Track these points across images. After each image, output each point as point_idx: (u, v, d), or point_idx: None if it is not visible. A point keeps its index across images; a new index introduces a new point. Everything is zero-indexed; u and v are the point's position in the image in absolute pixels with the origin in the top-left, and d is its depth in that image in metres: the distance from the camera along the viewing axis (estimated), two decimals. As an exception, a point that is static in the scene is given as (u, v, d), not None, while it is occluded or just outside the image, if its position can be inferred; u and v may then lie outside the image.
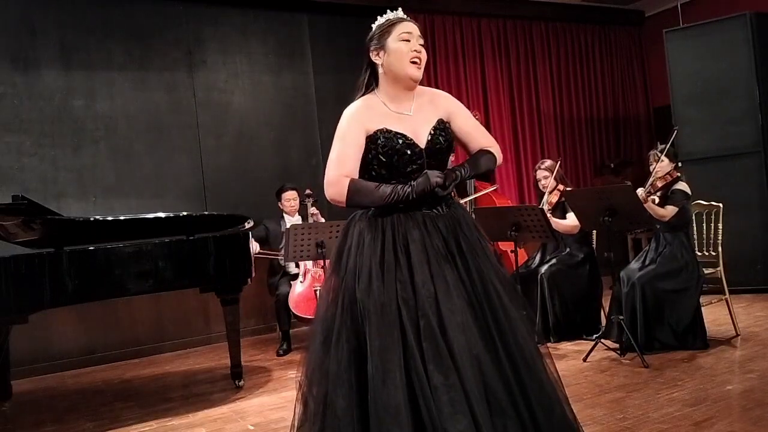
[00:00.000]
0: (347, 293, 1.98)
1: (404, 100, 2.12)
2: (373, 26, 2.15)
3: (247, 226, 4.18)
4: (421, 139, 2.08)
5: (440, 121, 2.13)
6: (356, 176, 2.05)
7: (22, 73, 5.10)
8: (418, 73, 2.07)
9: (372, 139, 2.05)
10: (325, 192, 2.06)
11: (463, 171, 2.09)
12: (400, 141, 2.04)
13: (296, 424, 2.06)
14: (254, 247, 4.66)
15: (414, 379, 1.83)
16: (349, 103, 2.14)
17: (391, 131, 2.04)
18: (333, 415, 1.88)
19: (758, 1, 6.11)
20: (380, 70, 2.12)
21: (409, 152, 2.04)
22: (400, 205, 2.02)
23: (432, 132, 2.09)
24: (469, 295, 1.97)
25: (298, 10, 6.12)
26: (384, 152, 2.03)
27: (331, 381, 1.92)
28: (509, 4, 6.94)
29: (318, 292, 4.73)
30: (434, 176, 2.00)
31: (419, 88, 2.16)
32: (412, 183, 2.01)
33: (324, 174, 2.06)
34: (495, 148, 2.21)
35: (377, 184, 2.02)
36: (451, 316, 1.89)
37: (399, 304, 1.90)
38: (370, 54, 2.12)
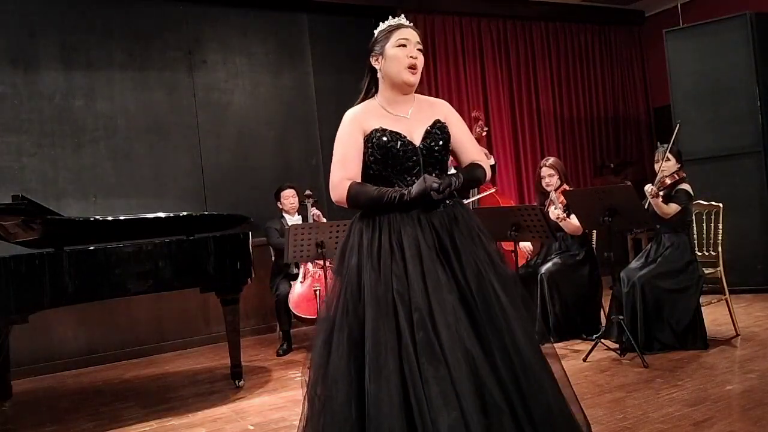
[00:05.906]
0: (349, 289, 2.02)
1: (402, 104, 2.17)
2: (375, 32, 2.20)
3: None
4: (416, 138, 2.12)
5: (437, 121, 2.17)
6: (359, 177, 2.11)
7: (22, 73, 5.10)
8: (413, 78, 2.12)
9: (368, 139, 2.11)
10: (330, 194, 2.14)
11: (457, 181, 2.09)
12: (394, 138, 2.08)
13: (303, 420, 2.08)
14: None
15: (406, 370, 1.86)
16: (349, 103, 2.19)
17: (386, 130, 2.10)
18: (331, 410, 1.92)
19: (758, 1, 6.11)
20: (379, 75, 2.17)
21: (402, 150, 2.08)
22: (398, 207, 2.05)
23: (428, 130, 2.14)
24: (462, 291, 1.99)
25: (298, 10, 6.12)
26: (378, 150, 2.08)
27: (330, 377, 1.95)
28: (509, 4, 6.94)
29: (318, 292, 4.73)
30: (430, 180, 2.01)
31: (419, 96, 2.22)
32: (410, 187, 2.04)
33: (326, 175, 2.10)
34: (486, 164, 2.27)
35: (377, 188, 2.07)
36: (441, 311, 1.92)
37: (394, 297, 1.94)
38: (371, 59, 2.18)
